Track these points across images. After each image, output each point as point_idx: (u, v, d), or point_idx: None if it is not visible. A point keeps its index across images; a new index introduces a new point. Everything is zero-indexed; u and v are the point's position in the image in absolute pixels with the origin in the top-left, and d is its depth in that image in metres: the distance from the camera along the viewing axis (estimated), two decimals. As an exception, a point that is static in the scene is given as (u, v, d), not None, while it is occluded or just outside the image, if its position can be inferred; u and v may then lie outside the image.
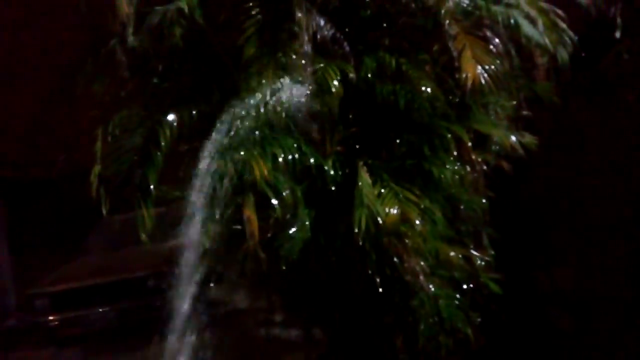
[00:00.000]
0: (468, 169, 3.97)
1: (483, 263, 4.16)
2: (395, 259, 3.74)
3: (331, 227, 3.92)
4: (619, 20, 4.37)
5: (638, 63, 4.50)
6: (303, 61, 3.50)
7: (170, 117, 3.53)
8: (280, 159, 3.56)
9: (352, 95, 3.78)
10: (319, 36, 3.64)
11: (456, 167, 3.95)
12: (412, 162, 3.94)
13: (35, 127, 10.11)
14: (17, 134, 10.21)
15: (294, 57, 3.51)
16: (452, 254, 3.94)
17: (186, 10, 3.46)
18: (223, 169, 3.43)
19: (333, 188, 3.80)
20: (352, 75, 3.60)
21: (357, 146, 3.95)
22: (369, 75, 3.72)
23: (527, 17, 3.76)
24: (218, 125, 3.51)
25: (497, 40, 3.62)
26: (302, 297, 4.56)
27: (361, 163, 3.76)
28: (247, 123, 3.53)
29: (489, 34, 3.66)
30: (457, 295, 3.99)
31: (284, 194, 3.62)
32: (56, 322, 7.41)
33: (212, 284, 4.06)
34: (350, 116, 3.94)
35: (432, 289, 3.83)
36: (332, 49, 3.76)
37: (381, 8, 3.92)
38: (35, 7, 9.34)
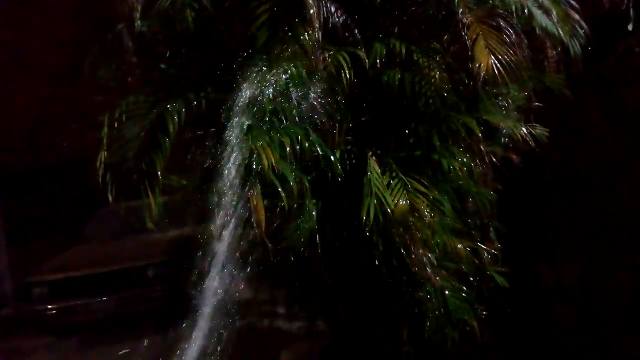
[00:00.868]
0: (477, 161, 3.93)
1: (489, 256, 4.14)
2: (402, 250, 3.71)
3: (338, 217, 3.88)
4: (631, 12, 4.32)
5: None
6: (313, 48, 3.44)
7: (179, 103, 3.46)
8: (288, 148, 3.51)
9: (361, 84, 3.73)
10: (329, 23, 3.58)
11: (465, 159, 3.91)
12: (421, 152, 3.90)
13: (34, 114, 10.03)
14: (16, 120, 10.13)
15: (304, 43, 3.45)
16: (459, 246, 3.91)
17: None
18: (231, 157, 3.38)
19: (340, 179, 3.75)
20: (364, 60, 3.54)
21: (366, 136, 3.90)
22: (378, 62, 3.66)
23: (540, 7, 3.71)
24: (226, 113, 3.47)
25: (510, 30, 3.55)
26: (307, 288, 4.52)
27: (370, 153, 3.72)
28: (256, 111, 3.48)
29: (502, 23, 3.59)
30: (464, 288, 3.97)
31: (291, 183, 3.57)
32: (54, 311, 7.34)
33: (215, 274, 3.99)
34: (359, 105, 3.89)
35: (439, 281, 3.80)
36: (342, 35, 3.70)
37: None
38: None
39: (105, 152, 3.51)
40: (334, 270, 4.08)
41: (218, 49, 3.74)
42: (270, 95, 3.52)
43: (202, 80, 3.67)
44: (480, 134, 3.79)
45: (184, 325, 3.73)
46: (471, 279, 4.01)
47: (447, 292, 3.88)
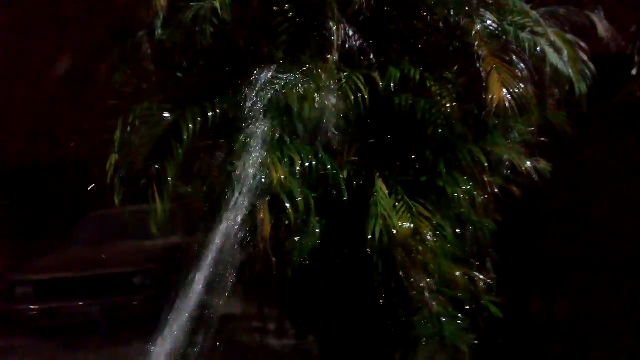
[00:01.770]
0: (480, 190, 3.99)
1: (485, 286, 4.18)
2: (401, 273, 3.74)
3: (340, 236, 3.91)
4: (636, 58, 4.45)
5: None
6: (330, 69, 3.51)
7: (195, 112, 3.50)
8: (298, 168, 3.55)
9: (372, 107, 3.79)
10: (346, 45, 3.65)
11: (468, 187, 3.97)
12: (427, 177, 3.95)
13: (34, 118, 9.97)
14: (12, 122, 10.06)
15: (321, 64, 3.51)
16: (457, 273, 3.95)
17: (219, 10, 3.46)
18: (241, 169, 3.42)
19: (346, 198, 3.78)
20: (379, 82, 3.61)
21: (373, 157, 3.95)
22: (392, 85, 3.73)
23: (552, 45, 3.81)
24: (239, 125, 3.51)
25: (522, 65, 3.65)
26: (301, 305, 4.53)
27: (378, 174, 3.77)
28: (268, 126, 3.53)
29: (514, 58, 3.69)
30: (459, 315, 4.00)
31: (297, 199, 3.60)
32: (36, 312, 7.24)
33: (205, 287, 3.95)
34: (369, 127, 3.94)
35: (436, 307, 3.83)
36: (358, 58, 3.78)
37: (409, 24, 3.95)
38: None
39: (117, 155, 3.50)
40: (331, 289, 4.10)
41: (235, 63, 3.79)
42: (283, 112, 3.58)
43: (218, 91, 3.70)
44: (486, 164, 3.85)
45: (165, 336, 3.70)
46: (467, 307, 4.04)
47: (443, 318, 3.90)
